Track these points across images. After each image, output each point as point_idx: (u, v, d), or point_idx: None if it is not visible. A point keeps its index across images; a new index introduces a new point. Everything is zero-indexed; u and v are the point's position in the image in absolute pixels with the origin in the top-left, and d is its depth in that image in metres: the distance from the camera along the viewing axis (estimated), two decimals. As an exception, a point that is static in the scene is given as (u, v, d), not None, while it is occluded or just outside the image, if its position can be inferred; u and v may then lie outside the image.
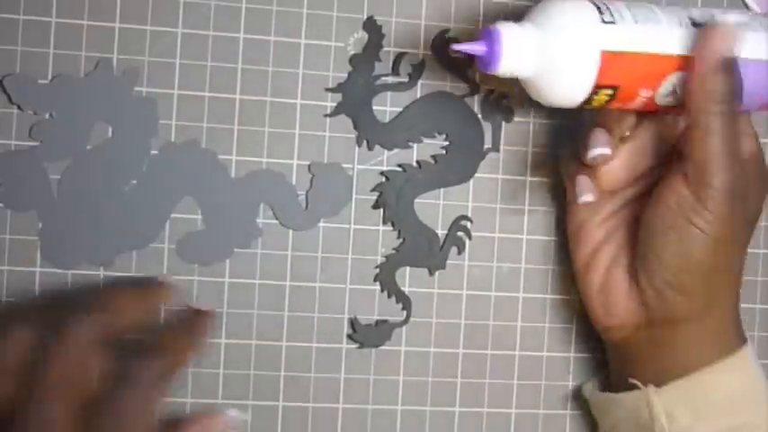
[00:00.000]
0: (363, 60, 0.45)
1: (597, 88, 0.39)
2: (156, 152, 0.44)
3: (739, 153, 0.39)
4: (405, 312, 0.46)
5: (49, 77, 0.43)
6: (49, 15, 0.43)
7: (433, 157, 0.46)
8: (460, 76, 0.46)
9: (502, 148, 0.47)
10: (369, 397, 0.46)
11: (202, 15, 0.44)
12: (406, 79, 0.46)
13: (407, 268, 0.46)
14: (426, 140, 0.46)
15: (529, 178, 0.47)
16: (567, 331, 0.48)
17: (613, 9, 0.39)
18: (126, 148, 0.44)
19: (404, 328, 0.46)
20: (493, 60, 0.38)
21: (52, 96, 0.43)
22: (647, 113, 0.42)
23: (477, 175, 0.46)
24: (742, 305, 0.48)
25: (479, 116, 0.46)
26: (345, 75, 0.45)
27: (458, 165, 0.46)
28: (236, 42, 0.44)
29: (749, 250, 0.49)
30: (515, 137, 0.47)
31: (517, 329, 0.47)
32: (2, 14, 0.43)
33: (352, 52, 0.45)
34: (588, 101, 0.39)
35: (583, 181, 0.42)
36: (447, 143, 0.46)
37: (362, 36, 0.45)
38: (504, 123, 0.46)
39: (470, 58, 0.39)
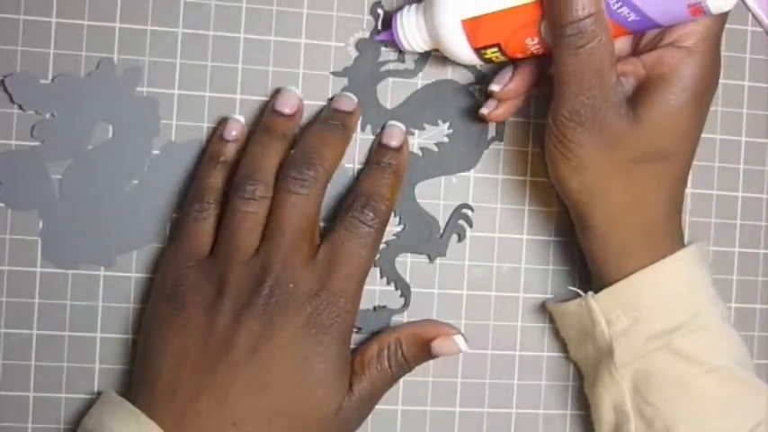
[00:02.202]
0: (369, 45, 0.45)
1: (479, 49, 0.41)
2: (157, 152, 0.44)
3: (593, 77, 0.39)
4: (403, 299, 0.46)
5: (50, 77, 0.43)
6: (50, 15, 0.43)
7: (436, 144, 0.46)
8: (466, 64, 0.46)
9: (502, 147, 0.47)
10: (369, 397, 0.46)
11: (203, 15, 0.44)
12: (411, 66, 0.46)
13: (408, 264, 0.46)
14: (429, 128, 0.46)
15: (529, 178, 0.47)
16: (567, 331, 0.48)
17: None
18: (127, 148, 0.44)
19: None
20: (398, 42, 0.43)
21: (53, 96, 0.43)
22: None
23: (477, 174, 0.47)
24: (741, 305, 0.48)
25: None
26: (345, 75, 0.45)
27: (460, 153, 0.46)
28: (237, 42, 0.45)
29: (748, 250, 0.49)
30: (516, 136, 0.47)
31: (517, 329, 0.47)
32: (2, 14, 0.43)
33: (353, 53, 0.45)
34: (486, 59, 0.42)
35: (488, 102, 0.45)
36: (450, 131, 0.46)
37: (363, 36, 0.45)
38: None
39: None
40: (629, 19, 0.39)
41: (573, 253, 0.47)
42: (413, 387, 0.46)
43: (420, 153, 0.46)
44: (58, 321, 0.44)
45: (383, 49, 0.45)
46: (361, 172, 0.45)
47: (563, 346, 0.48)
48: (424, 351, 0.43)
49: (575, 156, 0.40)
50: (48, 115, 0.43)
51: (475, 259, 0.47)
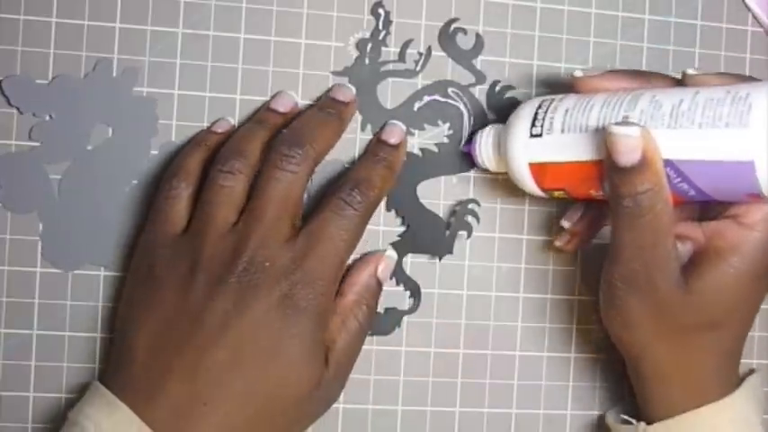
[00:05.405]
0: (370, 45, 0.45)
1: (545, 190, 0.41)
2: (156, 152, 0.44)
3: (648, 247, 0.38)
4: (412, 300, 0.46)
5: (50, 78, 0.43)
6: (50, 15, 0.43)
7: (436, 144, 0.46)
8: (466, 65, 0.46)
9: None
10: (369, 397, 0.46)
11: (202, 15, 0.44)
12: (411, 66, 0.46)
13: (408, 264, 0.46)
14: (429, 128, 0.46)
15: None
16: (568, 331, 0.48)
17: (547, 118, 0.40)
18: (126, 149, 0.44)
19: (404, 328, 0.46)
20: (475, 159, 0.44)
21: (51, 98, 0.43)
22: None
23: (477, 174, 0.46)
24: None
25: (484, 106, 0.46)
26: (346, 75, 0.45)
27: (460, 153, 0.46)
28: (237, 42, 0.44)
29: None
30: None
31: (517, 329, 0.47)
32: (2, 14, 0.43)
33: (353, 53, 0.45)
34: (554, 197, 0.42)
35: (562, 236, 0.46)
36: (450, 131, 0.46)
37: (363, 36, 0.45)
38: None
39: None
40: (689, 194, 0.37)
41: (574, 253, 0.47)
42: (413, 387, 0.46)
43: (420, 153, 0.46)
44: (58, 321, 0.44)
45: (383, 48, 0.45)
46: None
47: (564, 346, 0.48)
48: (376, 286, 0.44)
49: (625, 316, 0.40)
50: (46, 117, 0.43)
51: (475, 259, 0.47)
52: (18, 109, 0.43)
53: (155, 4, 0.44)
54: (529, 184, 0.41)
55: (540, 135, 0.40)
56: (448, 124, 0.46)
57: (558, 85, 0.46)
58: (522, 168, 0.41)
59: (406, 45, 0.45)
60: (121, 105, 0.44)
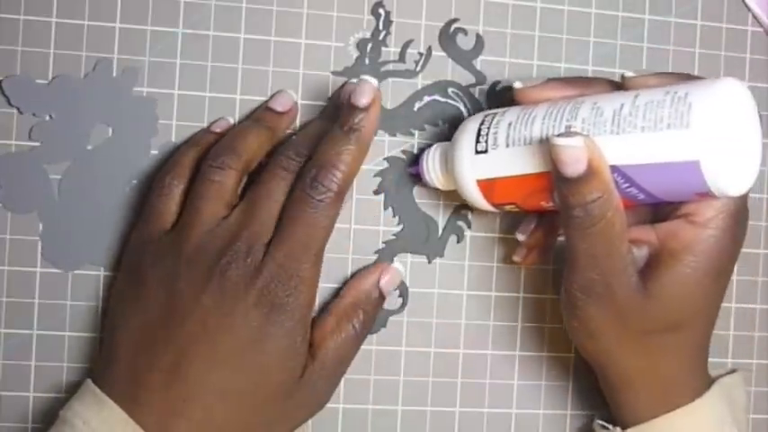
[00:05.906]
0: (370, 45, 0.45)
1: (496, 205, 0.41)
2: (156, 152, 0.44)
3: (602, 255, 0.37)
4: (401, 300, 0.46)
5: (50, 78, 0.43)
6: (50, 15, 0.43)
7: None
8: (466, 65, 0.46)
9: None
10: (369, 397, 0.46)
11: (202, 15, 0.44)
12: (411, 66, 0.46)
13: (408, 264, 0.46)
14: (429, 128, 0.46)
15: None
16: (567, 331, 0.48)
17: (491, 133, 0.40)
18: (126, 149, 0.44)
19: (404, 328, 0.46)
20: (423, 178, 0.44)
21: (51, 98, 0.43)
22: None
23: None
24: (742, 305, 0.48)
25: (484, 107, 0.46)
26: (346, 75, 0.45)
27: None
28: (237, 42, 0.44)
29: (749, 250, 0.49)
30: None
31: (517, 330, 0.47)
32: (2, 14, 0.43)
33: (353, 53, 0.45)
34: (506, 211, 0.42)
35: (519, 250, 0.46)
36: (450, 132, 0.46)
37: (363, 36, 0.45)
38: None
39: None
40: (639, 198, 0.37)
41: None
42: (413, 387, 0.46)
43: (420, 153, 0.46)
44: (58, 321, 0.44)
45: (383, 48, 0.45)
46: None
47: (564, 346, 0.48)
48: (378, 296, 0.44)
49: (587, 326, 0.40)
50: (46, 117, 0.43)
51: (475, 259, 0.47)
52: (18, 109, 0.43)
53: (155, 4, 0.44)
54: (478, 200, 0.41)
55: (486, 151, 0.40)
56: (448, 125, 0.46)
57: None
58: (470, 186, 0.41)
59: (406, 45, 0.46)
60: (121, 105, 0.44)
